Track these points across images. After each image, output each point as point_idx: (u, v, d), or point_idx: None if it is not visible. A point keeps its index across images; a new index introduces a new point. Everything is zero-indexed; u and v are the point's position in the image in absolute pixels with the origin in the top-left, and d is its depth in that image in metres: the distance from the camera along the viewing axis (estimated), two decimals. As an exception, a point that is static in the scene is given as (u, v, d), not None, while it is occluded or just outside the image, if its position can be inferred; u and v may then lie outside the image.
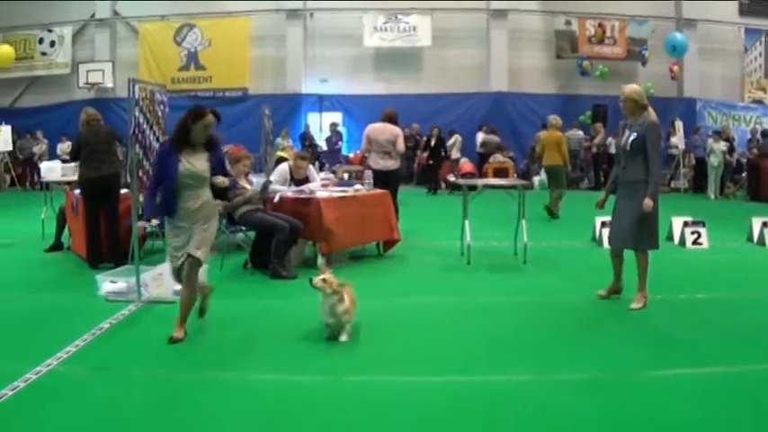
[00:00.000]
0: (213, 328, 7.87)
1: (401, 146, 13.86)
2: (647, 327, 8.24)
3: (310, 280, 7.28)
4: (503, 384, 6.24)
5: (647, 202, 8.60)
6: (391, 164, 13.77)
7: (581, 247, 13.45)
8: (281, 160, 14.63)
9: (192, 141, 7.44)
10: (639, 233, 8.85)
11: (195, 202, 7.43)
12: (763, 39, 29.39)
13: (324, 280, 7.25)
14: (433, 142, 25.39)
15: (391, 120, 13.99)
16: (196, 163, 7.44)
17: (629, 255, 9.14)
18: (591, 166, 27.04)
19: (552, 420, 5.47)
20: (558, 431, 5.31)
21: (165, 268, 8.34)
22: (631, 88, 8.93)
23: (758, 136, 25.97)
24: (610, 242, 9.44)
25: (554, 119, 18.24)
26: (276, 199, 11.29)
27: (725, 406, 5.82)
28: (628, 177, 8.83)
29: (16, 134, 26.83)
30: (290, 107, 28.82)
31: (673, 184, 26.39)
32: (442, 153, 25.77)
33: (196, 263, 7.41)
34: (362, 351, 7.19)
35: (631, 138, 8.73)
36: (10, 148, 25.84)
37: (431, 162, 25.39)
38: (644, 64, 28.69)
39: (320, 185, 12.25)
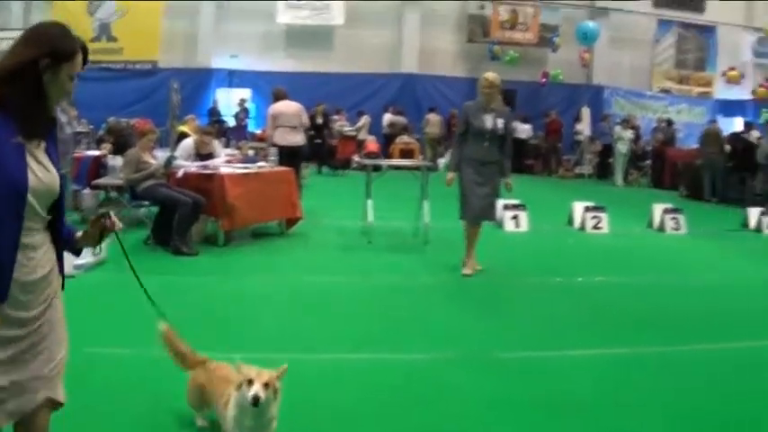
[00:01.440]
0: (111, 305, 7.65)
1: (306, 119, 14.32)
2: (544, 308, 8.39)
3: (256, 401, 3.85)
4: (395, 362, 6.29)
5: (511, 181, 9.84)
6: (298, 139, 14.06)
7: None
8: (182, 136, 14.49)
9: (44, 114, 3.18)
10: (494, 207, 10.02)
11: (41, 263, 3.21)
12: (674, 30, 29.99)
13: (266, 385, 3.91)
14: (319, 120, 24.83)
15: (285, 98, 14.17)
16: (46, 165, 3.20)
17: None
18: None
19: (443, 397, 5.54)
20: (448, 409, 5.36)
21: None
22: (495, 76, 9.81)
23: (664, 124, 26.56)
24: (473, 216, 9.76)
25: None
26: (180, 174, 11.17)
27: (615, 387, 5.98)
28: (490, 157, 9.57)
29: None
30: (199, 81, 28.40)
31: (577, 170, 26.84)
32: (326, 131, 25.25)
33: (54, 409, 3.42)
34: (261, 328, 7.15)
35: (500, 123, 9.56)
36: None
37: (317, 141, 24.85)
38: (554, 50, 29.03)
39: (224, 161, 12.15)
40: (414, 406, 5.38)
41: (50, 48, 3.10)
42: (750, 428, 5.38)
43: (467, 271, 9.74)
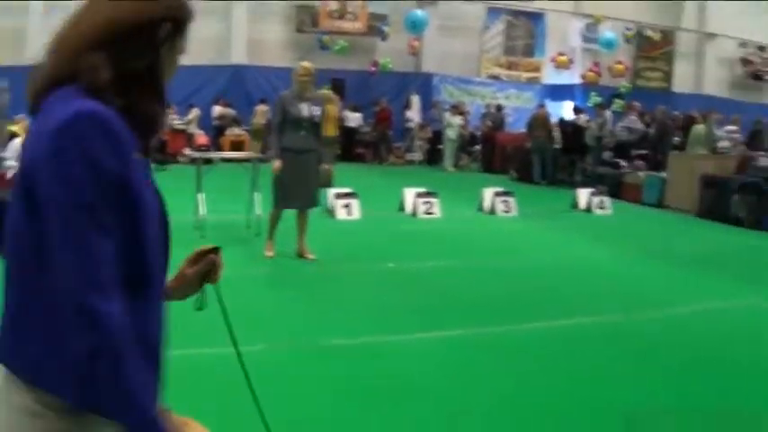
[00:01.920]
0: None
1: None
2: (378, 294, 8.54)
3: None
4: (228, 356, 6.23)
5: (330, 167, 10.17)
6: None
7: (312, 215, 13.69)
8: (13, 136, 14.00)
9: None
10: (316, 193, 10.10)
11: None
12: (503, 17, 30.66)
13: None
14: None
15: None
16: None
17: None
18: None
19: (284, 388, 5.55)
20: (289, 398, 5.37)
21: None
22: (310, 65, 9.95)
23: (493, 110, 27.22)
24: (296, 204, 9.98)
25: (328, 92, 18.52)
26: (9, 175, 10.81)
27: (451, 370, 6.17)
28: (309, 145, 9.75)
29: None
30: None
31: (408, 157, 27.20)
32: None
33: None
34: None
35: (316, 111, 9.76)
36: None
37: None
38: (384, 39, 29.26)
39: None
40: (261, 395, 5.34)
41: (173, 7, 2.07)
42: (580, 402, 5.64)
43: (269, 253, 10.08)
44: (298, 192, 9.77)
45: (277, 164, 9.78)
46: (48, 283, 1.77)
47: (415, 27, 27.34)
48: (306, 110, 9.65)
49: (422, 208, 14.09)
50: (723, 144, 19.50)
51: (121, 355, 1.73)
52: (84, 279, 1.72)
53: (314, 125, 9.77)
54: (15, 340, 1.87)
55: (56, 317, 1.78)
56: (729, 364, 6.66)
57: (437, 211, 14.17)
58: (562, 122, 23.39)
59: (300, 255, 10.07)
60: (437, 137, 26.42)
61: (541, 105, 25.23)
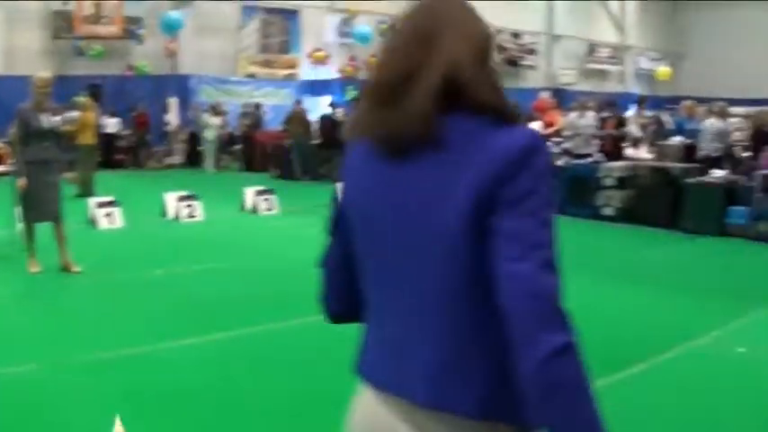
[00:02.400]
0: None
1: None
2: (142, 303, 8.60)
3: None
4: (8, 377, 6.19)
5: (73, 176, 10.47)
6: None
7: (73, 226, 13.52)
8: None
9: None
10: (61, 205, 9.98)
11: None
12: (259, 16, 30.83)
13: None
14: None
15: None
16: None
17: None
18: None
19: (47, 410, 5.53)
20: (53, 420, 5.38)
21: None
22: (48, 75, 10.29)
23: (251, 109, 27.51)
24: (44, 217, 9.90)
25: (87, 99, 18.22)
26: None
27: (217, 373, 6.36)
28: (52, 156, 9.71)
29: None
30: None
31: (168, 161, 27.06)
32: None
33: None
34: None
35: (57, 121, 9.83)
36: None
37: None
38: (140, 42, 28.93)
39: None
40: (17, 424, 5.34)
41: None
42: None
43: (33, 269, 9.90)
44: (44, 204, 9.70)
45: (21, 180, 9.65)
46: (490, 308, 1.81)
47: (171, 29, 27.22)
48: (46, 121, 9.61)
49: (184, 212, 14.20)
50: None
51: (581, 361, 1.75)
52: (558, 280, 1.79)
53: (56, 136, 9.76)
54: (457, 380, 1.90)
55: (499, 342, 1.82)
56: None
57: (199, 213, 14.31)
58: (321, 118, 23.92)
59: (65, 268, 9.97)
60: (195, 138, 26.44)
61: (298, 102, 25.70)
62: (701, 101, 20.63)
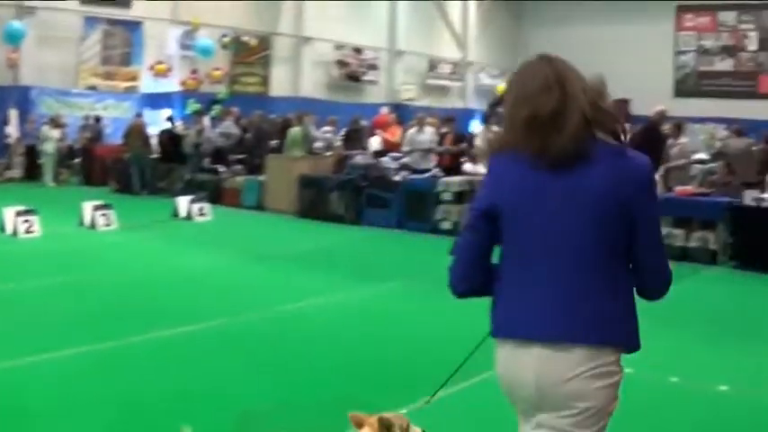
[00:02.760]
0: None
1: None
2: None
3: None
4: None
5: None
6: None
7: None
8: None
9: None
10: None
11: None
12: (101, 27, 30.13)
13: None
14: None
15: None
16: None
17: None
18: None
19: None
20: None
21: None
22: None
23: (91, 122, 26.92)
24: None
25: None
26: None
27: (65, 390, 6.25)
28: None
29: None
30: None
31: (8, 174, 26.22)
32: None
33: None
34: None
35: None
36: None
37: None
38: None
39: None
40: None
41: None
42: (198, 402, 6.05)
43: None
44: None
45: None
46: (626, 271, 2.88)
47: (13, 39, 26.42)
48: None
49: (22, 227, 13.82)
50: (318, 144, 20.62)
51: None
52: (668, 268, 2.92)
53: None
54: (615, 321, 2.84)
55: (631, 293, 2.88)
56: (330, 358, 7.37)
57: (38, 228, 13.96)
58: (161, 132, 23.61)
59: None
60: (34, 151, 25.67)
61: (138, 115, 25.34)
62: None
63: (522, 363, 2.83)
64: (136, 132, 22.85)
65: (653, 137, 14.98)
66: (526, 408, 2.89)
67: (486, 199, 2.93)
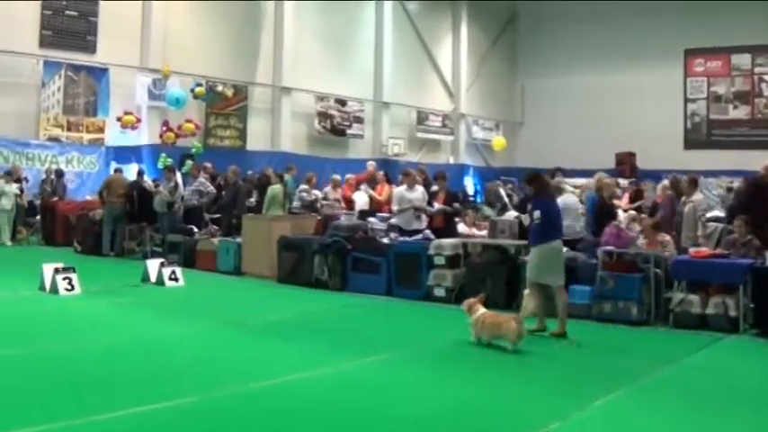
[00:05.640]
0: None
1: None
2: None
3: None
4: None
5: None
6: None
7: None
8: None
9: None
10: None
11: None
12: (62, 72, 29.85)
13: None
14: None
15: None
16: None
17: None
18: None
19: None
20: None
21: None
22: None
23: (53, 176, 26.65)
24: None
25: None
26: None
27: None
28: None
29: None
30: None
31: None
32: None
33: None
34: None
35: None
36: None
37: None
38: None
39: None
40: None
41: None
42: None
43: None
44: None
45: None
46: None
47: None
48: None
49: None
50: (297, 204, 20.45)
51: None
52: None
53: None
54: None
55: None
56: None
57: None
58: (130, 186, 23.23)
59: None
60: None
61: (118, 170, 25.22)
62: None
63: None
64: (115, 187, 22.58)
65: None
66: None
67: None
